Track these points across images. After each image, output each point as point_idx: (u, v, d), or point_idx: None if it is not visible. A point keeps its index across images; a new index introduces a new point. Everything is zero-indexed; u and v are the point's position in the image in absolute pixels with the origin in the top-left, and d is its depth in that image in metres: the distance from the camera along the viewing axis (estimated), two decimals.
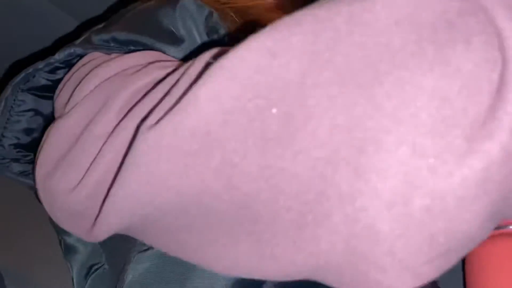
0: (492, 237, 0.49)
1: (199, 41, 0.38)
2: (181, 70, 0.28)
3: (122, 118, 0.29)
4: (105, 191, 0.29)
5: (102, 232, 0.31)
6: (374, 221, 0.21)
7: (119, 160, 0.29)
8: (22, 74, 0.38)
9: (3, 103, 0.38)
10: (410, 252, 0.22)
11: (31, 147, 0.39)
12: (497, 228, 0.50)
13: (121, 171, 0.27)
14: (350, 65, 0.21)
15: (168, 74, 0.30)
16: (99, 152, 0.30)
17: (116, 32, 0.38)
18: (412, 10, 0.21)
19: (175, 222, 0.27)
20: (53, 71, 0.39)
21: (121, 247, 0.37)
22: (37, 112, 0.39)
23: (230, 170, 0.23)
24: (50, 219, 0.42)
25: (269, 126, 0.22)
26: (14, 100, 0.38)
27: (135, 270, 0.35)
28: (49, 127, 0.35)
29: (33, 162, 0.39)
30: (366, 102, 0.21)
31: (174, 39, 0.38)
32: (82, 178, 0.30)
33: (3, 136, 0.38)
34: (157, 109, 0.26)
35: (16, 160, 0.39)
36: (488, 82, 0.20)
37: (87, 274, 0.40)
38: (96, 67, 0.35)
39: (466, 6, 0.21)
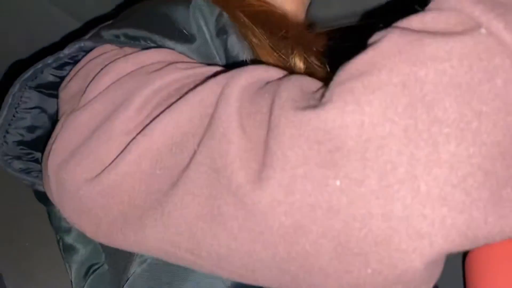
0: None
1: (209, 41, 0.38)
2: (213, 84, 0.29)
3: (144, 120, 0.30)
4: (120, 195, 0.30)
5: (118, 245, 0.32)
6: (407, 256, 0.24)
7: (141, 166, 0.29)
8: (31, 70, 0.38)
9: (10, 99, 0.38)
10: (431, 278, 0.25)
11: (34, 145, 0.39)
12: None
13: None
14: (409, 139, 0.23)
15: (190, 78, 0.31)
16: (120, 153, 0.30)
17: (127, 28, 0.38)
18: (461, 78, 0.22)
19: (214, 263, 0.29)
20: (60, 67, 0.39)
21: None
22: (42, 110, 0.39)
23: (292, 232, 0.25)
24: (50, 218, 0.42)
25: (334, 196, 0.24)
26: (21, 97, 0.38)
27: (138, 267, 0.35)
28: (63, 118, 0.35)
29: (35, 160, 0.39)
30: (428, 178, 0.23)
31: (186, 38, 0.38)
32: (98, 174, 0.30)
33: (7, 133, 0.38)
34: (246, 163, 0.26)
35: (18, 158, 0.39)
36: None
37: (86, 274, 0.39)
38: (112, 61, 0.35)
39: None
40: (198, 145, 0.27)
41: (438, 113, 0.22)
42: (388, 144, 0.23)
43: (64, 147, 0.33)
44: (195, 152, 0.27)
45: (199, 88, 0.29)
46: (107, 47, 0.37)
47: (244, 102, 0.27)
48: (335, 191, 0.23)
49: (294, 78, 0.28)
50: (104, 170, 0.30)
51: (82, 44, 0.37)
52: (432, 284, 0.25)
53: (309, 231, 0.24)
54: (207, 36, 0.38)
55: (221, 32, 0.38)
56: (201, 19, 0.38)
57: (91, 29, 0.41)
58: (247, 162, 0.25)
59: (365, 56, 0.24)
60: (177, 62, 0.35)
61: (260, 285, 0.29)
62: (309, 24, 0.53)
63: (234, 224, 0.26)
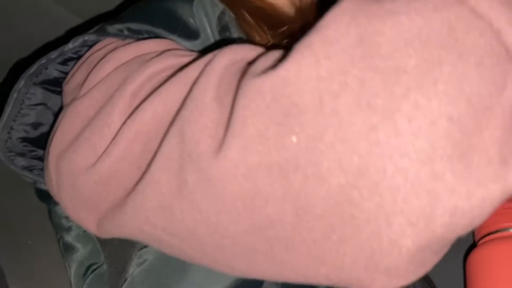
0: (492, 240, 0.49)
1: (211, 38, 0.38)
2: (200, 63, 0.28)
3: (138, 105, 0.30)
4: (117, 181, 0.30)
5: (112, 233, 0.32)
6: (399, 237, 0.22)
7: (133, 149, 0.29)
8: (36, 65, 0.38)
9: (15, 95, 0.38)
10: (426, 262, 0.23)
11: (38, 142, 0.39)
12: (498, 231, 0.50)
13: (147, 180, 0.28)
14: (365, 89, 0.22)
15: (185, 64, 0.30)
16: (113, 138, 0.30)
17: (131, 22, 0.38)
18: (419, 30, 0.22)
19: (188, 243, 0.28)
20: (65, 62, 0.39)
21: (122, 247, 0.37)
22: (46, 107, 0.39)
23: (253, 195, 0.24)
24: (50, 217, 0.42)
25: (290, 154, 0.23)
26: (26, 93, 0.38)
27: (136, 267, 0.35)
28: (64, 109, 0.35)
29: (38, 158, 0.39)
30: (387, 128, 0.21)
31: (189, 34, 0.38)
32: (95, 162, 0.30)
33: (12, 129, 0.38)
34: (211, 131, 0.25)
35: (22, 155, 0.39)
36: (499, 104, 0.21)
37: (85, 273, 0.40)
38: (112, 50, 0.35)
39: (473, 23, 0.22)
40: (174, 119, 0.27)
41: (395, 62, 0.21)
42: (345, 96, 0.22)
43: (64, 137, 0.33)
44: (169, 127, 0.27)
45: (186, 69, 0.29)
46: (110, 40, 0.37)
47: (223, 79, 0.26)
48: (292, 148, 0.22)
49: (273, 51, 0.27)
50: (99, 158, 0.30)
51: (86, 38, 0.37)
52: (413, 277, 0.24)
53: (270, 195, 0.23)
54: (210, 33, 0.38)
55: (223, 29, 0.38)
56: (204, 16, 0.39)
57: (93, 26, 0.42)
58: (214, 131, 0.25)
59: (326, 15, 0.23)
60: (174, 49, 0.35)
61: (235, 271, 0.28)
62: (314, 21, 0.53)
63: (198, 194, 0.25)
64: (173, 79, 0.29)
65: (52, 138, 0.34)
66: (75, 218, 0.34)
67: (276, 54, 0.26)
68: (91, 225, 0.33)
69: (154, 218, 0.28)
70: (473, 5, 0.22)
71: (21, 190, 0.66)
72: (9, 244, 0.63)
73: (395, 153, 0.21)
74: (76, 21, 0.78)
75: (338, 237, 0.23)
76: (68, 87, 0.37)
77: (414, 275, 0.24)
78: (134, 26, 0.38)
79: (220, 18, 0.38)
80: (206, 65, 0.27)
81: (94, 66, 0.34)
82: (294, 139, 0.22)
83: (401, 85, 0.21)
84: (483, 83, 0.21)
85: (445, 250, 0.24)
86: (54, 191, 0.34)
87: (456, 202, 0.21)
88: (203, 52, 0.36)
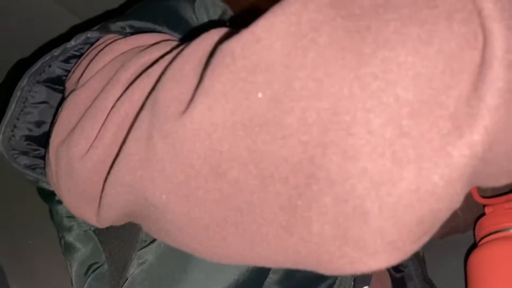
0: (493, 241, 0.49)
1: None
2: (189, 44, 0.28)
3: (126, 89, 0.30)
4: (109, 167, 0.29)
5: (107, 216, 0.31)
6: (363, 202, 0.21)
7: (123, 132, 0.29)
8: (39, 63, 0.38)
9: (18, 93, 0.38)
10: (400, 234, 0.22)
11: (41, 140, 0.39)
12: (498, 231, 0.50)
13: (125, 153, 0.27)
14: (334, 46, 0.21)
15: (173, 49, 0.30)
16: (102, 125, 0.30)
17: (133, 20, 0.38)
18: None
19: (167, 218, 0.27)
20: (67, 60, 0.39)
21: (122, 247, 0.37)
22: (49, 105, 0.39)
23: (218, 156, 0.23)
24: (52, 216, 0.42)
25: (255, 111, 0.22)
26: (29, 91, 0.38)
27: (136, 267, 0.35)
28: (64, 101, 0.35)
29: (41, 157, 0.39)
30: (352, 84, 0.21)
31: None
32: (87, 150, 0.30)
33: (15, 127, 0.38)
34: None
35: (25, 153, 0.39)
36: (470, 61, 0.20)
37: (86, 273, 0.40)
38: (111, 42, 0.35)
39: None
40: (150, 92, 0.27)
41: (365, 22, 0.21)
42: (313, 51, 0.21)
43: (62, 128, 0.33)
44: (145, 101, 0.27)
45: (175, 50, 0.29)
46: (111, 36, 0.37)
47: (206, 56, 0.26)
48: (257, 105, 0.22)
49: None
50: (91, 144, 0.30)
51: (88, 35, 0.38)
52: (393, 254, 0.22)
53: (235, 156, 0.23)
54: None
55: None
56: (205, 16, 0.39)
57: (93, 26, 0.42)
58: (185, 96, 0.24)
59: None
60: (171, 40, 0.35)
61: (212, 252, 0.27)
62: None
63: (166, 160, 0.25)
64: (162, 60, 0.29)
65: (52, 130, 0.34)
66: (75, 210, 0.34)
67: None
68: (90, 216, 0.33)
69: (131, 194, 0.28)
70: None
71: (22, 189, 0.67)
72: (9, 243, 0.63)
73: (361, 109, 0.21)
74: (76, 21, 0.78)
75: (303, 202, 0.22)
76: (70, 82, 0.37)
77: (386, 256, 0.22)
78: (136, 23, 0.38)
79: (221, 17, 0.39)
80: (190, 44, 0.27)
81: (92, 59, 0.34)
82: (260, 95, 0.22)
83: (370, 43, 0.21)
84: (454, 39, 0.20)
85: (423, 232, 0.22)
86: (54, 183, 0.34)
87: (422, 164, 0.20)
88: None
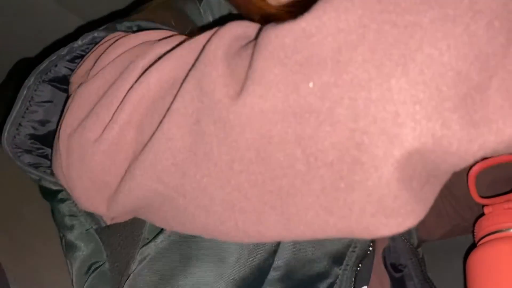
0: (492, 241, 0.49)
1: None
2: (209, 33, 0.29)
3: (142, 74, 0.30)
4: (123, 149, 0.30)
5: (121, 205, 0.32)
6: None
7: (139, 113, 0.29)
8: (46, 62, 0.38)
9: (25, 92, 0.38)
10: (411, 194, 0.24)
11: (45, 139, 0.40)
12: (497, 231, 0.50)
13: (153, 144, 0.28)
14: (382, 41, 0.23)
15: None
16: (117, 108, 0.30)
17: (140, 21, 0.39)
18: None
19: (197, 203, 0.28)
20: (73, 60, 0.39)
21: (124, 245, 0.37)
22: (54, 104, 0.40)
23: (266, 141, 0.25)
24: (53, 215, 0.42)
25: (306, 99, 0.23)
26: (35, 90, 0.38)
27: (138, 264, 0.35)
28: (73, 92, 0.35)
29: (45, 156, 0.39)
30: (400, 76, 0.22)
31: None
32: (102, 132, 0.31)
33: (20, 125, 0.38)
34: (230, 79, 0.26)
35: (29, 152, 0.39)
36: (502, 65, 0.22)
37: (87, 272, 0.40)
38: (122, 37, 0.36)
39: None
40: (185, 78, 0.28)
41: (411, 18, 0.22)
42: (362, 47, 0.23)
43: (74, 118, 0.33)
44: (181, 85, 0.28)
45: (195, 37, 0.30)
46: (119, 33, 0.38)
47: (231, 47, 0.27)
48: (307, 93, 0.23)
49: None
50: (106, 126, 0.31)
51: (95, 34, 0.38)
52: (416, 218, 0.25)
53: (283, 140, 0.24)
54: None
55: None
56: (211, 17, 0.39)
57: (96, 26, 0.42)
58: (230, 81, 0.26)
59: None
60: (183, 36, 0.35)
61: (240, 233, 0.29)
62: None
63: (214, 145, 0.26)
64: (182, 46, 0.29)
65: (62, 121, 0.34)
66: (84, 202, 0.34)
67: None
68: (100, 206, 0.33)
69: (167, 177, 0.29)
70: None
71: (23, 188, 0.67)
72: (9, 243, 0.63)
73: (408, 100, 0.22)
74: (76, 21, 0.78)
75: (346, 184, 0.24)
76: (76, 76, 0.37)
77: (420, 212, 0.25)
78: (143, 24, 0.39)
79: (225, 20, 0.39)
80: (216, 32, 0.28)
81: (102, 53, 0.35)
82: (310, 84, 0.23)
83: (416, 39, 0.22)
84: (491, 44, 0.22)
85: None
86: (64, 175, 0.34)
87: (460, 148, 0.22)
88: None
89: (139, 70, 0.31)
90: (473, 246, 0.52)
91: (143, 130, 0.30)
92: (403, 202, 0.24)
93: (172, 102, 0.28)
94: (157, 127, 0.28)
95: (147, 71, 0.30)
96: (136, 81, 0.30)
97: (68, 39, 0.40)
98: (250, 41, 0.27)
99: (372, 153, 0.23)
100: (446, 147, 0.22)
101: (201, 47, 0.28)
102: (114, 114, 0.30)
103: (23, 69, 0.74)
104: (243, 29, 0.28)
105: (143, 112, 0.30)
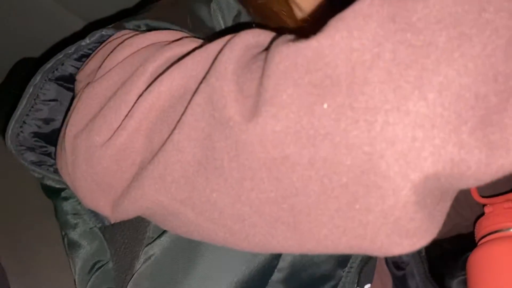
0: (493, 240, 0.49)
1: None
2: (221, 41, 0.29)
3: (152, 82, 0.30)
4: (131, 155, 0.30)
5: (127, 210, 0.32)
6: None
7: (148, 121, 0.29)
8: (53, 61, 0.39)
9: (31, 90, 0.38)
10: (426, 215, 0.24)
11: (49, 138, 0.40)
12: (498, 231, 0.50)
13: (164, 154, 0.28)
14: (397, 61, 0.22)
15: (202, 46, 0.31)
16: (127, 114, 0.30)
17: (149, 20, 0.39)
18: (450, 9, 0.22)
19: (206, 216, 0.28)
20: (80, 58, 0.39)
21: (129, 244, 0.37)
22: (60, 103, 0.40)
23: (278, 162, 0.24)
24: (56, 213, 0.42)
25: (320, 121, 0.23)
26: (41, 88, 0.38)
27: (142, 263, 0.35)
28: (79, 93, 0.35)
29: (48, 154, 0.39)
30: (418, 98, 0.22)
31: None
32: (110, 137, 0.31)
33: (24, 123, 0.38)
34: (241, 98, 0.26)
35: (32, 149, 0.39)
36: None
37: (91, 271, 0.40)
38: (131, 37, 0.35)
39: (503, 4, 0.22)
40: (196, 90, 0.28)
41: (427, 38, 0.22)
42: (377, 67, 0.22)
43: (81, 118, 0.33)
44: (192, 97, 0.28)
45: (207, 45, 0.29)
46: (127, 32, 0.38)
47: (243, 57, 0.27)
48: (322, 115, 0.23)
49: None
50: (115, 132, 0.31)
51: (103, 32, 0.38)
52: (430, 237, 0.25)
53: (296, 162, 0.24)
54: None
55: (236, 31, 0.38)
56: (221, 18, 0.39)
57: (100, 27, 0.42)
58: (241, 97, 0.25)
59: None
60: (194, 38, 0.35)
61: (251, 245, 0.28)
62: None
63: (226, 161, 0.26)
64: (193, 55, 0.29)
65: (68, 121, 0.34)
66: (89, 202, 0.34)
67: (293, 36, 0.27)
68: (105, 208, 0.33)
69: (175, 189, 0.29)
70: None
71: (24, 187, 0.66)
72: (10, 243, 0.63)
73: (426, 123, 0.22)
74: (77, 21, 0.78)
75: (361, 206, 0.24)
76: (83, 73, 0.37)
77: (434, 230, 0.25)
78: (152, 23, 0.39)
79: (235, 20, 0.39)
80: (228, 41, 0.28)
81: (111, 52, 0.35)
82: (325, 106, 0.23)
83: (432, 59, 0.22)
84: (509, 63, 0.22)
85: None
86: (68, 174, 0.34)
87: (477, 171, 0.22)
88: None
89: (148, 75, 0.30)
90: (474, 245, 0.52)
91: (152, 138, 0.30)
92: (418, 223, 0.23)
93: (183, 113, 0.28)
94: (167, 138, 0.28)
95: (158, 79, 0.30)
96: (146, 88, 0.30)
97: (68, 39, 0.40)
98: (262, 52, 0.27)
99: (389, 177, 0.22)
100: (464, 170, 0.22)
101: (212, 57, 0.28)
102: (123, 120, 0.30)
103: (23, 69, 0.74)
104: (256, 38, 0.28)
105: (153, 120, 0.30)
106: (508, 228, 0.49)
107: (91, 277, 0.39)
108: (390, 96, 0.22)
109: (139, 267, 0.35)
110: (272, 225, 0.26)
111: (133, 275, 0.35)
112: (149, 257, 0.35)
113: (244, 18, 0.40)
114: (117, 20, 0.41)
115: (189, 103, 0.28)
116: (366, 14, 0.23)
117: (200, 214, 0.28)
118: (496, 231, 0.50)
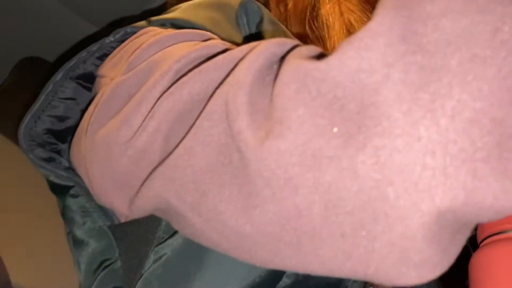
0: (495, 242, 0.50)
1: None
2: (245, 48, 0.29)
3: (173, 83, 0.30)
4: (149, 156, 0.30)
5: (140, 208, 0.32)
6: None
7: (168, 123, 0.29)
8: (75, 59, 0.39)
9: (50, 87, 0.38)
10: (437, 249, 0.23)
11: (61, 135, 0.40)
12: (500, 232, 0.50)
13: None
14: (408, 83, 0.21)
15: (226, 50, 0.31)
16: (148, 114, 0.30)
17: (174, 19, 0.39)
18: (462, 30, 0.21)
19: (212, 225, 0.28)
20: (102, 57, 0.39)
21: (139, 243, 0.37)
22: (76, 102, 0.40)
23: (282, 182, 0.24)
24: (63, 211, 0.42)
25: (328, 144, 0.22)
26: (61, 86, 0.39)
27: (152, 263, 0.35)
28: (103, 87, 0.35)
29: (58, 152, 0.40)
30: (429, 124, 0.21)
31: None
32: (131, 138, 0.31)
33: (39, 118, 0.38)
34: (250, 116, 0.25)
35: (42, 146, 0.39)
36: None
37: (97, 269, 0.39)
38: (158, 33, 0.35)
39: None
40: (213, 95, 0.27)
41: (439, 60, 0.21)
42: (387, 89, 0.21)
43: (103, 114, 0.33)
44: (208, 102, 0.27)
45: (230, 51, 0.29)
46: (152, 28, 0.38)
47: (263, 66, 0.26)
48: (330, 138, 0.22)
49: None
50: (135, 132, 0.31)
51: (128, 30, 0.38)
52: (440, 270, 0.23)
53: (300, 184, 0.23)
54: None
55: (259, 39, 0.39)
56: (246, 23, 0.40)
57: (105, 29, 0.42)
58: (252, 111, 0.25)
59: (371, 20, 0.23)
60: (217, 39, 0.35)
61: (254, 260, 0.28)
62: None
63: (234, 171, 0.25)
64: (216, 59, 0.29)
65: (90, 116, 0.34)
66: (104, 199, 0.34)
67: (314, 47, 0.26)
68: (120, 204, 0.34)
69: (184, 193, 0.28)
70: None
71: (23, 186, 0.66)
72: (10, 242, 0.63)
73: (438, 150, 0.21)
74: (78, 21, 0.78)
75: (368, 233, 0.23)
76: (106, 68, 0.37)
77: (446, 263, 0.24)
78: (177, 21, 0.39)
79: (258, 26, 0.40)
80: (252, 49, 0.28)
81: (136, 49, 0.35)
82: (335, 130, 0.22)
83: (445, 82, 0.21)
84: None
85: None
86: (85, 170, 0.34)
87: (495, 202, 0.21)
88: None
89: (172, 74, 0.30)
90: (475, 247, 0.52)
91: (169, 140, 0.30)
92: (427, 256, 0.22)
93: (197, 118, 0.28)
94: (181, 141, 0.28)
95: (180, 81, 0.29)
96: (168, 88, 0.30)
97: (70, 38, 0.40)
98: (278, 62, 0.27)
99: (397, 205, 0.22)
100: (479, 202, 0.21)
101: (234, 63, 0.28)
102: (144, 120, 0.30)
103: (26, 67, 0.74)
104: (279, 48, 0.27)
105: (172, 122, 0.30)
106: (510, 230, 0.50)
107: (97, 275, 0.39)
108: (399, 120, 0.21)
109: (149, 267, 0.35)
110: (275, 244, 0.26)
111: (142, 275, 0.35)
112: (160, 257, 0.35)
113: (267, 24, 0.40)
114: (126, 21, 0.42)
115: (204, 107, 0.28)
116: (375, 34, 0.22)
117: (205, 222, 0.28)
118: (498, 233, 0.50)
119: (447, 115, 0.21)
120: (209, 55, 0.31)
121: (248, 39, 0.36)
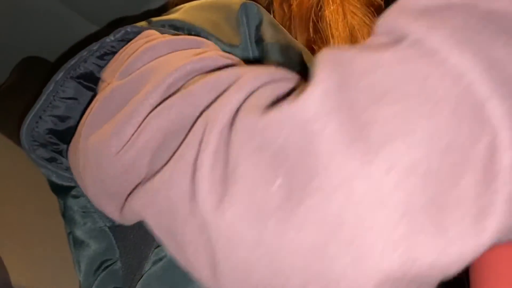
0: (497, 243, 0.50)
1: (249, 47, 0.39)
2: (234, 73, 0.29)
3: (168, 97, 0.30)
4: (137, 171, 0.30)
5: (128, 219, 0.32)
6: None
7: (155, 142, 0.29)
8: (76, 58, 0.39)
9: (52, 86, 0.38)
10: None
11: (63, 135, 0.40)
12: None
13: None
14: (342, 138, 0.21)
15: (222, 67, 0.31)
16: (138, 127, 0.30)
17: (174, 20, 0.39)
18: (391, 83, 0.21)
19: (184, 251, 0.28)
20: (102, 56, 0.39)
21: (139, 244, 0.37)
22: (77, 102, 0.40)
23: (228, 237, 0.24)
24: (64, 211, 0.42)
25: (271, 200, 0.22)
26: (61, 85, 0.39)
27: (152, 264, 0.35)
28: (100, 92, 0.35)
29: (59, 152, 0.40)
30: (365, 178, 0.20)
31: (230, 39, 0.39)
32: (119, 150, 0.31)
33: (40, 118, 0.38)
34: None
35: (44, 146, 0.39)
36: (473, 155, 0.21)
37: (98, 270, 0.40)
38: (153, 39, 0.35)
39: (445, 73, 0.21)
40: (195, 122, 0.28)
41: (371, 113, 0.21)
42: (323, 142, 0.21)
43: (96, 120, 0.33)
44: (189, 131, 0.28)
45: (219, 75, 0.29)
46: (151, 33, 0.38)
47: (244, 103, 0.26)
48: (273, 195, 0.22)
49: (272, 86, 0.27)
50: (123, 146, 0.31)
51: (128, 29, 0.38)
52: None
53: (244, 240, 0.23)
54: (248, 42, 0.40)
55: (259, 41, 0.39)
56: (246, 25, 0.40)
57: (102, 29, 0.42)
58: (215, 161, 0.25)
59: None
60: (217, 50, 0.35)
61: None
62: None
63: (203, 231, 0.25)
64: (205, 82, 0.29)
65: (84, 121, 0.34)
66: (96, 203, 0.34)
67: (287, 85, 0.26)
68: (112, 212, 0.34)
69: (161, 219, 0.29)
70: (444, 56, 0.21)
71: (23, 186, 0.66)
72: (10, 243, 0.63)
73: (373, 205, 0.20)
74: (79, 20, 0.78)
75: None
76: (107, 74, 0.37)
77: None
78: (177, 23, 0.39)
79: (257, 29, 0.40)
80: (240, 78, 0.28)
81: (131, 54, 0.35)
82: (276, 185, 0.22)
83: (379, 136, 0.20)
84: (458, 133, 0.20)
85: None
86: (78, 173, 0.34)
87: (433, 258, 0.20)
88: (240, 57, 0.36)
89: (164, 88, 0.30)
90: None
91: (155, 160, 0.30)
92: None
93: (179, 146, 0.28)
94: (163, 166, 0.28)
95: (170, 100, 0.29)
96: (160, 102, 0.30)
97: (70, 38, 0.40)
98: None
99: (340, 262, 0.21)
100: (421, 261, 0.20)
101: (222, 90, 0.28)
102: (133, 134, 0.30)
103: (27, 67, 0.74)
104: (266, 84, 0.27)
105: (160, 140, 0.29)
106: None
107: (97, 276, 0.39)
108: (333, 174, 0.20)
109: (149, 268, 0.35)
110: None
111: (142, 276, 0.35)
112: (160, 259, 0.35)
113: (266, 26, 0.40)
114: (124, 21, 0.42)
115: (187, 133, 0.28)
116: (315, 82, 0.22)
117: (179, 248, 0.28)
118: None
119: (382, 168, 0.20)
120: (204, 68, 0.31)
121: (247, 61, 0.36)
